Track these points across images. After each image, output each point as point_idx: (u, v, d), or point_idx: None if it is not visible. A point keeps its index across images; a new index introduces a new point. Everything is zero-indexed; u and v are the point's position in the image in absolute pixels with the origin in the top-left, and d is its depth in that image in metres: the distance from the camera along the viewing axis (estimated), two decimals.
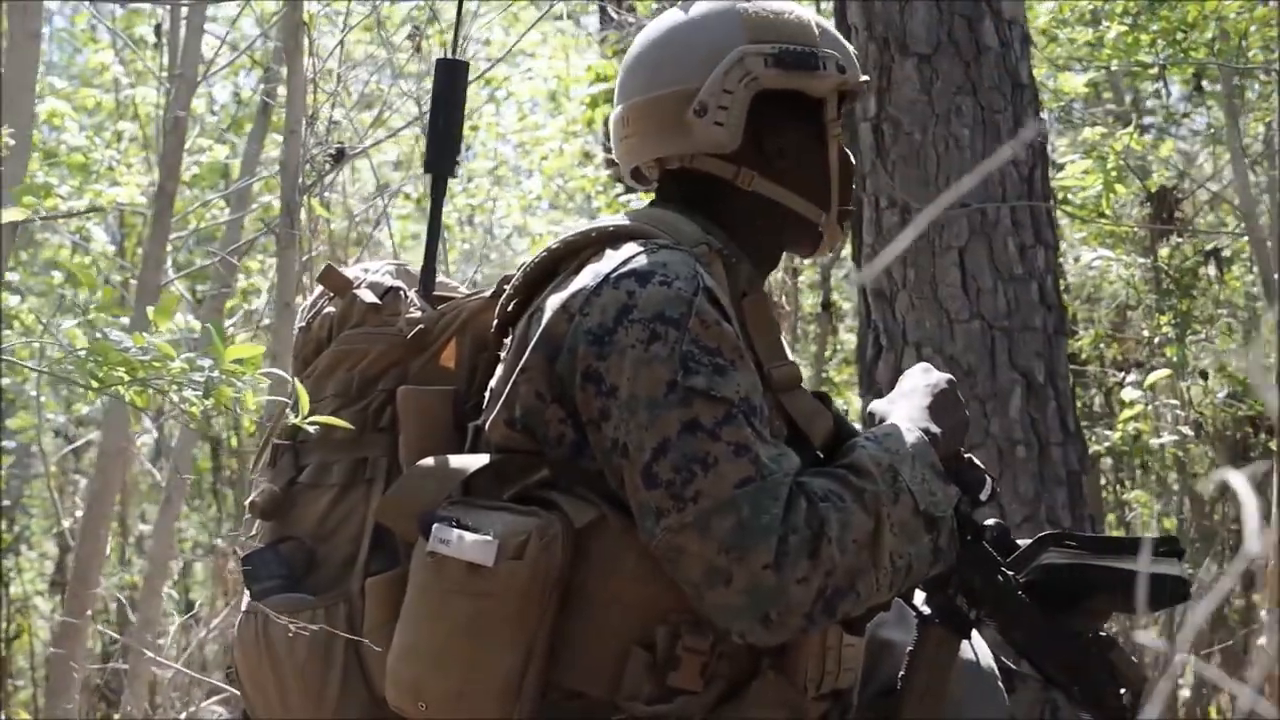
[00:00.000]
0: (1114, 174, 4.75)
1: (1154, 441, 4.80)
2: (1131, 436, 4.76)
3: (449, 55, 2.20)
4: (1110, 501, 5.37)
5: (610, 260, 1.92)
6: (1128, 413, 4.76)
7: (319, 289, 2.16)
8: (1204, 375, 4.75)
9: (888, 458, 1.89)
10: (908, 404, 2.01)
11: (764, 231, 2.04)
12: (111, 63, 6.04)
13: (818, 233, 2.07)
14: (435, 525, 1.86)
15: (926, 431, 1.95)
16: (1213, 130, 5.11)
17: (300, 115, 2.89)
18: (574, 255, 1.99)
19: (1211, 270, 5.09)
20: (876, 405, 2.06)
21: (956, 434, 2.00)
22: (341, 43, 3.20)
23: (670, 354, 1.83)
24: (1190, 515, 4.96)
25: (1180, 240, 4.85)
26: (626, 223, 1.99)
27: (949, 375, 2.07)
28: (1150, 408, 4.73)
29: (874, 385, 4.16)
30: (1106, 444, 4.90)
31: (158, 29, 4.71)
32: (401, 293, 2.10)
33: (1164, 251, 4.91)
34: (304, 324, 2.13)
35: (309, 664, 1.97)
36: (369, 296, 2.09)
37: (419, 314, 2.08)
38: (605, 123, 7.78)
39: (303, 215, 2.86)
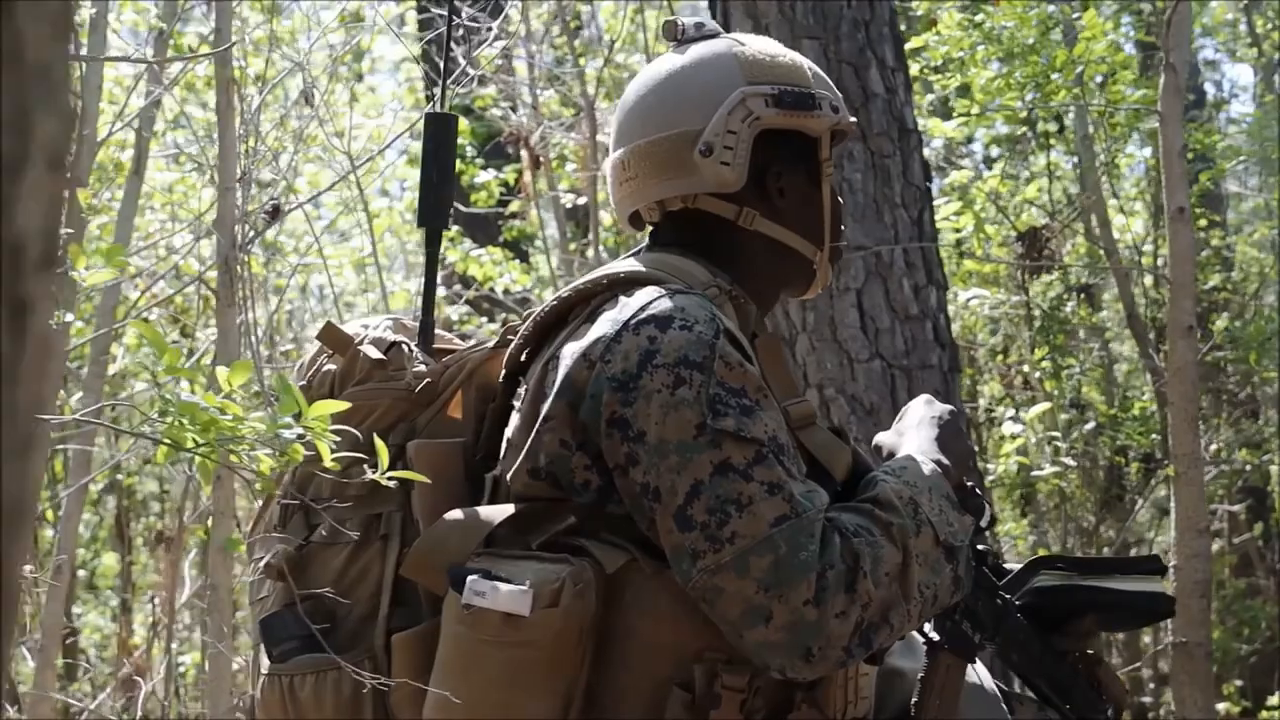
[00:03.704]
0: (983, 214, 4.91)
1: (1035, 473, 4.95)
2: (1014, 470, 4.91)
3: (436, 109, 2.21)
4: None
5: (626, 307, 1.93)
6: (1009, 446, 4.91)
7: (316, 346, 2.15)
8: (1078, 408, 4.91)
9: (908, 491, 1.93)
10: (917, 436, 2.06)
11: (764, 271, 2.08)
12: None
13: (812, 271, 2.12)
14: (470, 578, 1.85)
15: (939, 463, 2.01)
16: (1076, 170, 5.32)
17: (233, 172, 2.85)
18: (585, 302, 2.01)
19: (1070, 306, 5.28)
20: (883, 438, 2.11)
21: (962, 464, 2.06)
22: (263, 104, 3.18)
23: (697, 397, 1.86)
24: (1072, 545, 5.12)
25: (1052, 277, 5.03)
26: (638, 268, 2.01)
27: (950, 406, 2.13)
28: (1033, 441, 4.89)
29: None
30: (990, 477, 5.04)
31: None
32: (404, 347, 2.10)
33: (1036, 289, 5.08)
34: (303, 382, 2.11)
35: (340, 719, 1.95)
36: (373, 352, 2.08)
37: (423, 367, 2.08)
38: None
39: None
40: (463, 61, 4.72)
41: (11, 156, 0.62)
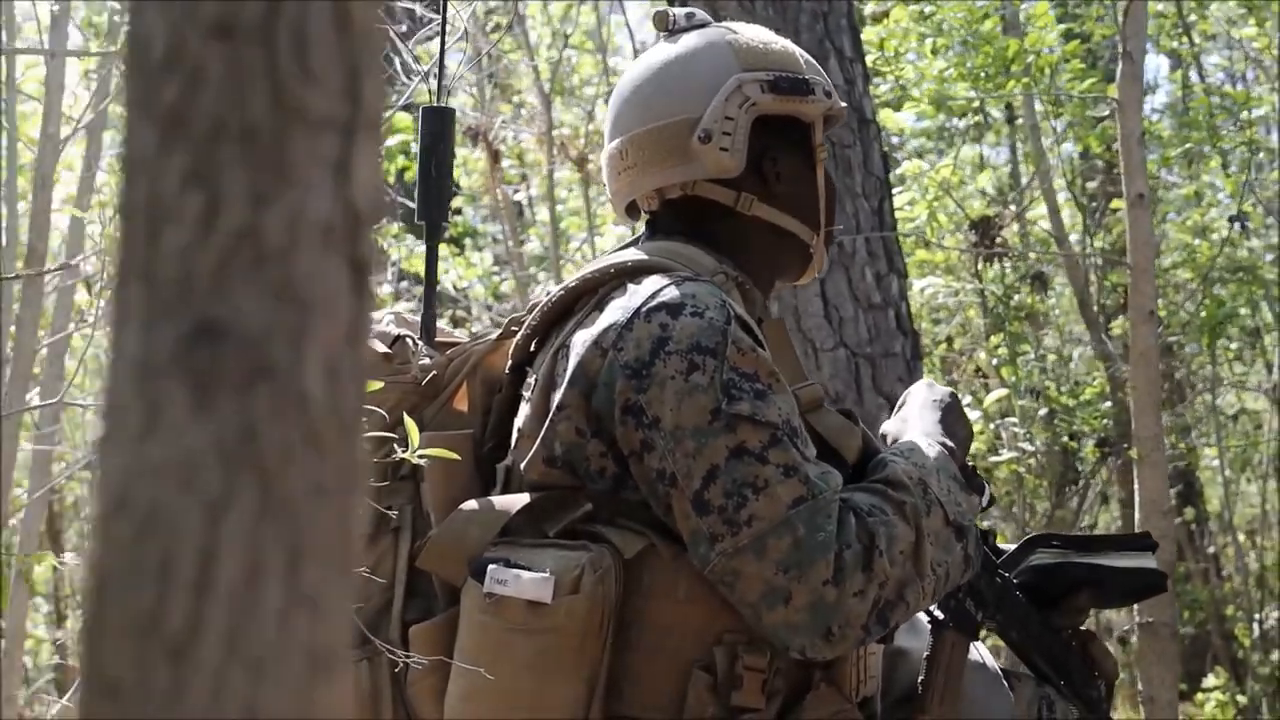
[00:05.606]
0: (935, 203, 4.97)
1: (993, 459, 5.01)
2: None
3: (433, 103, 2.21)
4: None
5: (636, 295, 1.95)
6: None
7: None
8: (1035, 394, 4.98)
9: (917, 471, 1.96)
10: (921, 420, 2.09)
11: (763, 256, 2.10)
12: None
13: (808, 255, 2.14)
14: (490, 567, 1.86)
15: (944, 444, 2.04)
16: (1024, 158, 5.38)
17: None
18: (592, 291, 2.02)
19: (1020, 295, 5.35)
20: (888, 425, 2.14)
21: (965, 445, 2.10)
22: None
23: (711, 383, 1.87)
24: (1028, 530, 5.18)
25: (1005, 266, 5.09)
26: (644, 257, 2.03)
27: (951, 389, 2.16)
28: (991, 427, 4.94)
29: None
30: None
31: None
32: (409, 340, 2.10)
33: (989, 276, 5.14)
34: None
35: (358, 715, 1.95)
36: (379, 346, 2.08)
37: (428, 360, 2.09)
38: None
39: None
40: (407, 57, 4.72)
41: (347, 121, 0.62)
